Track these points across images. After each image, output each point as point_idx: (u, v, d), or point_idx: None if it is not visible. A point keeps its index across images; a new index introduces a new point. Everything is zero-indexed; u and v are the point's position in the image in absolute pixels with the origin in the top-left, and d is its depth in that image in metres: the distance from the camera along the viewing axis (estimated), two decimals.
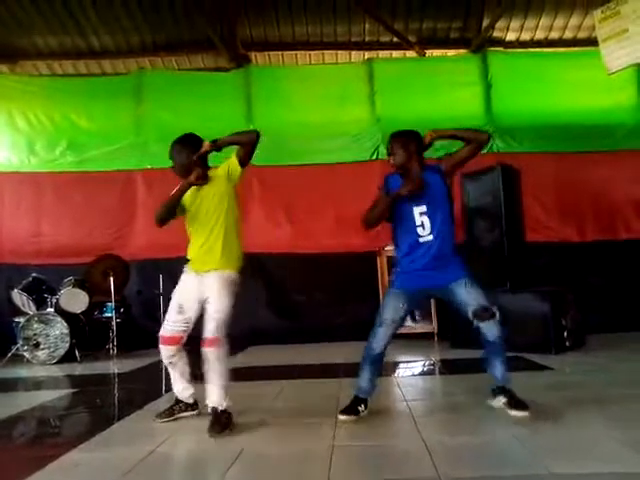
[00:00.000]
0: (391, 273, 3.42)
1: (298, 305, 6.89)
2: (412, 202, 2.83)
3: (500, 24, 7.48)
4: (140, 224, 6.88)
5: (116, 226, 7.07)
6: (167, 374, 3.11)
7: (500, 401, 2.77)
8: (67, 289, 5.90)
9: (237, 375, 4.14)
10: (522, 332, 4.77)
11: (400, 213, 2.88)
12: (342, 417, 2.84)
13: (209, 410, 2.81)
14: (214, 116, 6.82)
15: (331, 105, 7.15)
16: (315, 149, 7.05)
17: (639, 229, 6.92)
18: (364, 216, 2.96)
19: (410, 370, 4.78)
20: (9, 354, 5.67)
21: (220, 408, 2.76)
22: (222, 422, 2.71)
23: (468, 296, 2.76)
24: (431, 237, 2.82)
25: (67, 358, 5.65)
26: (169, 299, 3.01)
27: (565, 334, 4.96)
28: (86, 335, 6.08)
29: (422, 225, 2.83)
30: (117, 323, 6.17)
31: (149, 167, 6.93)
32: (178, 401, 3.06)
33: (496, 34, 7.67)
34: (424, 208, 2.82)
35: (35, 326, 5.68)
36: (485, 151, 3.14)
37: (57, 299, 5.86)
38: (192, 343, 2.95)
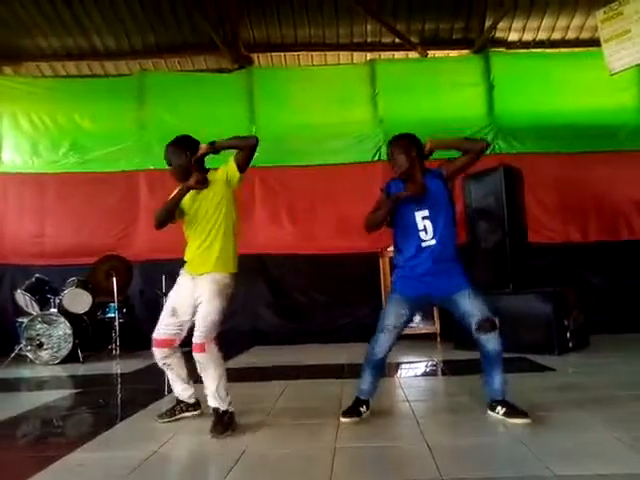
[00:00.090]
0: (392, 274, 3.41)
1: (300, 306, 6.89)
2: (414, 207, 2.83)
3: (502, 24, 7.46)
4: (143, 225, 6.88)
5: (119, 227, 7.09)
6: None
7: (499, 412, 2.76)
8: (70, 289, 5.92)
9: (240, 375, 4.17)
10: (525, 333, 4.78)
11: (402, 218, 2.87)
12: (344, 419, 2.84)
13: (211, 411, 2.81)
14: (216, 117, 6.83)
15: (333, 106, 7.14)
16: (317, 150, 7.04)
17: None
18: (366, 219, 2.95)
19: (413, 371, 4.78)
20: (12, 354, 5.68)
21: (222, 409, 2.76)
22: (224, 423, 2.71)
23: (471, 307, 2.76)
24: (434, 242, 2.81)
25: (70, 358, 5.67)
26: None
27: (568, 335, 4.96)
28: (89, 335, 6.10)
29: (425, 229, 2.82)
30: (120, 323, 6.19)
31: (152, 168, 6.92)
32: (179, 402, 3.07)
33: (498, 35, 7.65)
34: (426, 212, 2.82)
35: (38, 326, 5.70)
36: (487, 152, 3.14)
37: (60, 299, 5.88)
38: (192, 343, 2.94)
